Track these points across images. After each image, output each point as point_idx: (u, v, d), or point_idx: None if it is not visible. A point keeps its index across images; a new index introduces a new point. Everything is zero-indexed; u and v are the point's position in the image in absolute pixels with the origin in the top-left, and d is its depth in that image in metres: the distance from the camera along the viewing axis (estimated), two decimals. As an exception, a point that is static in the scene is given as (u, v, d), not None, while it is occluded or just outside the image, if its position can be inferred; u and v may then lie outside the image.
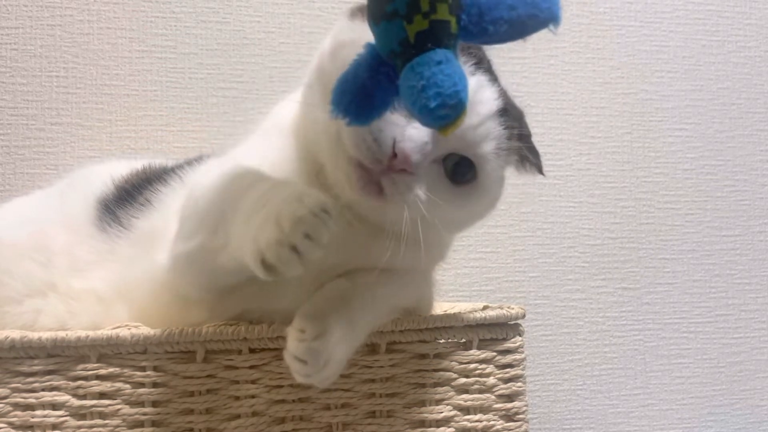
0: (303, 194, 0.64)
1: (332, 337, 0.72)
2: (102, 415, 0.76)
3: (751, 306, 1.47)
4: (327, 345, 0.72)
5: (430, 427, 0.83)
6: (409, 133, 0.71)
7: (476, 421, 0.84)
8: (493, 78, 0.78)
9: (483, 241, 1.38)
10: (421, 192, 0.73)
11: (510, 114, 0.79)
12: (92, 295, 0.87)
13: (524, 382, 0.87)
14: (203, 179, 0.81)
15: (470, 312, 0.85)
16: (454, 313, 0.85)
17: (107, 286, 0.87)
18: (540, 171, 0.83)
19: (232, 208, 0.70)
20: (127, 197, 0.93)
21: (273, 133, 0.85)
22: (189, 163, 0.99)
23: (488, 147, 0.76)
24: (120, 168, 1.00)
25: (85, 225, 0.93)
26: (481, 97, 0.75)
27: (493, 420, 0.84)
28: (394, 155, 0.70)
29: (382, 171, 0.72)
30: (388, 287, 0.80)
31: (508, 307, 0.87)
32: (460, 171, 0.76)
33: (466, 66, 0.73)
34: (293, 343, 0.72)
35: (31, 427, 0.75)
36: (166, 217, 0.88)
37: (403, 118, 0.72)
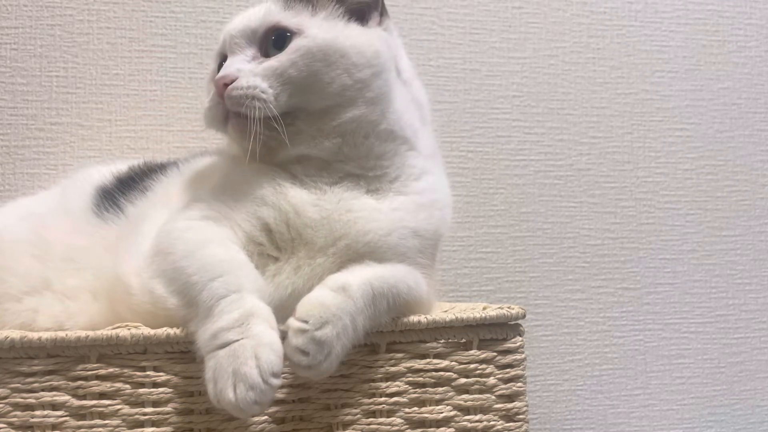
0: (259, 353, 0.69)
1: (335, 329, 0.73)
2: (102, 415, 0.76)
3: (751, 306, 1.47)
4: (330, 336, 0.72)
5: (430, 427, 0.83)
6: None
7: (476, 421, 0.84)
8: None
9: (483, 241, 1.38)
10: (257, 79, 0.82)
11: None
12: (87, 293, 0.87)
13: (524, 383, 0.87)
14: (182, 224, 0.83)
15: (470, 312, 0.85)
16: (454, 313, 0.84)
17: (98, 281, 0.87)
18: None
19: (205, 297, 0.75)
20: (128, 183, 0.94)
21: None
22: (193, 156, 1.00)
23: (276, 14, 0.86)
24: (121, 167, 1.01)
25: (82, 211, 0.93)
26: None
27: (494, 420, 0.84)
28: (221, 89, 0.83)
29: (225, 103, 0.83)
30: (386, 282, 0.80)
31: (509, 307, 0.87)
32: (277, 40, 0.85)
33: None
34: (295, 335, 0.72)
35: (30, 427, 0.75)
36: (153, 204, 0.88)
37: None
